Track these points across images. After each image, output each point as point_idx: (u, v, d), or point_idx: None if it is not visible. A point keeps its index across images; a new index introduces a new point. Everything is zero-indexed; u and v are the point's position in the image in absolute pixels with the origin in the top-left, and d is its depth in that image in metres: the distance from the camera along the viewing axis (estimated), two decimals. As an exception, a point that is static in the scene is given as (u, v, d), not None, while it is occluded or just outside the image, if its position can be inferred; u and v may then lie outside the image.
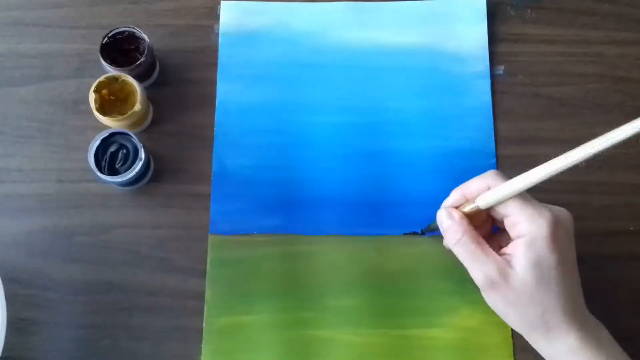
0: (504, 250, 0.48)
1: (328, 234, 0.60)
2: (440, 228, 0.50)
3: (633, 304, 0.58)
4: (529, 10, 0.67)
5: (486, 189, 0.48)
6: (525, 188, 0.46)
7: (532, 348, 0.58)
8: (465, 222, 0.49)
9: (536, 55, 0.65)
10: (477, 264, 0.47)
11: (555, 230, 0.46)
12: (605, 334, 0.49)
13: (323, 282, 0.59)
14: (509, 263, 0.47)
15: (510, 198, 0.47)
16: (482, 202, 0.48)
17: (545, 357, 0.49)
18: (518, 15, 0.67)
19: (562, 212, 0.48)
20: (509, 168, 0.61)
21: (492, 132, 0.63)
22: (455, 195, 0.50)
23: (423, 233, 0.60)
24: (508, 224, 0.48)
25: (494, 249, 0.48)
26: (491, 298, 0.48)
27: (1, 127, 0.63)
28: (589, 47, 0.66)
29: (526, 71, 0.65)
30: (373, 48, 0.65)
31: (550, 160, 0.44)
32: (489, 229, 0.51)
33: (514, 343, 0.58)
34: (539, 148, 0.63)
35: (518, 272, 0.46)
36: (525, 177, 0.46)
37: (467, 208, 0.49)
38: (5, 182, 0.61)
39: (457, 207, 0.50)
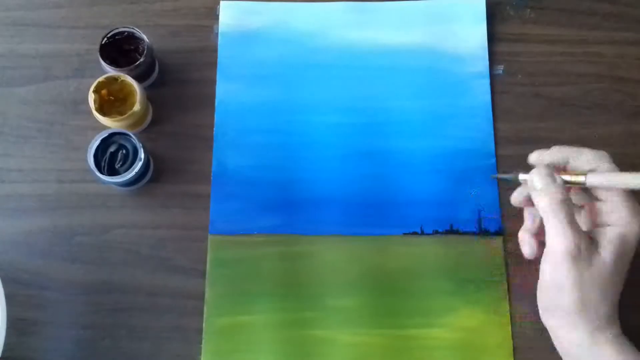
0: (596, 231, 0.48)
1: (328, 234, 0.60)
2: (532, 185, 0.48)
3: (633, 304, 0.58)
4: (529, 10, 0.67)
5: (594, 166, 0.48)
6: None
7: (532, 348, 0.58)
8: (564, 189, 0.47)
9: (536, 55, 0.65)
10: (567, 231, 0.46)
11: None
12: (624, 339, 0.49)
13: (323, 282, 0.59)
14: (596, 244, 0.47)
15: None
16: (592, 180, 0.47)
17: (574, 348, 0.48)
18: (517, 15, 0.67)
19: None
20: (508, 168, 0.60)
21: (492, 132, 0.63)
22: (558, 154, 0.49)
23: (497, 177, 0.58)
24: (602, 207, 0.48)
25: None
26: (560, 270, 0.46)
27: (1, 127, 0.63)
28: (589, 47, 0.66)
29: (526, 71, 0.65)
30: (373, 48, 0.65)
31: None
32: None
33: (514, 343, 0.58)
34: (538, 148, 0.62)
35: (602, 256, 0.47)
36: None
37: (572, 178, 0.48)
38: (5, 182, 0.61)
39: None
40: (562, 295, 0.47)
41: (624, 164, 0.62)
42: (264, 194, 0.61)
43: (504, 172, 0.53)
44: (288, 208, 0.61)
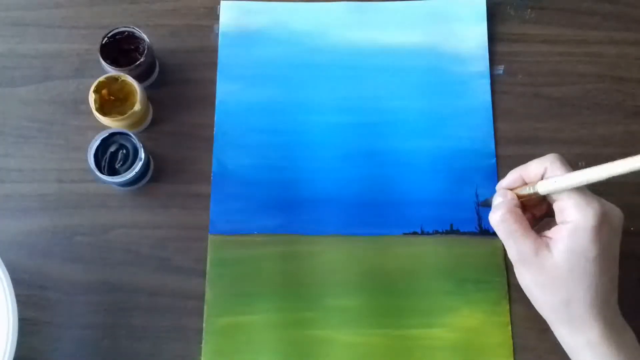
0: (547, 232, 0.49)
1: (328, 234, 0.60)
2: (493, 205, 0.52)
3: (633, 304, 0.58)
4: (529, 10, 0.67)
5: (543, 172, 0.49)
6: (590, 182, 0.46)
7: (532, 348, 0.58)
8: (512, 203, 0.50)
9: (536, 55, 0.65)
10: (513, 241, 0.49)
11: (601, 224, 0.47)
12: (630, 336, 0.49)
13: (323, 282, 0.59)
14: (547, 246, 0.48)
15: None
16: (542, 189, 0.49)
17: (564, 346, 0.50)
18: (518, 15, 0.67)
19: (613, 208, 0.48)
20: (508, 168, 0.60)
21: (492, 132, 0.63)
22: (512, 175, 0.51)
23: (480, 205, 0.60)
24: (556, 208, 0.49)
25: (542, 231, 0.49)
26: (522, 275, 0.50)
27: (1, 127, 0.63)
28: (589, 47, 0.66)
29: (526, 71, 0.65)
30: (373, 48, 0.65)
31: (623, 160, 0.44)
32: (546, 210, 0.52)
33: (514, 343, 0.58)
34: (538, 148, 0.63)
35: (554, 256, 0.47)
36: (591, 172, 0.46)
37: (525, 191, 0.50)
38: (5, 182, 0.61)
39: (515, 188, 0.51)
40: (532, 299, 0.50)
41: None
42: (264, 194, 0.61)
43: (486, 199, 0.56)
44: (288, 208, 0.61)
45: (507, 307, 0.58)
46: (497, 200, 0.51)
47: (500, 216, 0.49)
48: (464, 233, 0.60)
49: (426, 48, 0.65)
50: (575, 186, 0.47)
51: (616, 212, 0.49)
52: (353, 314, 0.58)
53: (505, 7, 0.67)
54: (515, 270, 0.50)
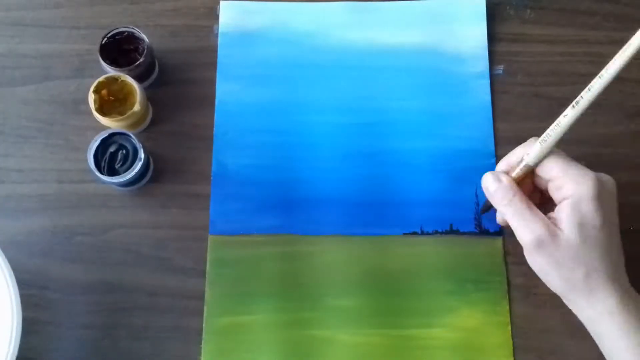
0: (550, 214, 0.49)
1: (328, 234, 0.60)
2: (486, 192, 0.51)
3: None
4: (529, 10, 0.67)
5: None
6: (568, 125, 0.48)
7: (532, 348, 0.58)
8: (514, 184, 0.50)
9: (536, 55, 0.65)
10: (526, 223, 0.48)
11: (600, 192, 0.47)
12: None
13: (323, 282, 0.59)
14: (556, 223, 0.48)
15: (555, 161, 0.49)
16: (530, 158, 0.50)
17: (582, 318, 0.50)
18: (518, 15, 0.67)
19: (606, 176, 0.49)
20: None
21: (492, 132, 0.63)
22: (501, 165, 0.52)
23: (482, 212, 0.59)
24: (553, 188, 0.49)
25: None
26: (537, 259, 0.49)
27: (1, 127, 0.63)
28: (589, 47, 0.66)
29: (526, 71, 0.65)
30: (373, 48, 0.65)
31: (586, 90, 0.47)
32: (536, 201, 0.52)
33: (514, 343, 0.58)
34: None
35: (565, 233, 0.47)
36: (565, 118, 0.48)
37: (517, 170, 0.51)
38: (5, 182, 0.61)
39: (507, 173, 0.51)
40: (549, 279, 0.50)
41: (624, 164, 0.63)
42: (264, 194, 0.61)
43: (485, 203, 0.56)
44: (288, 208, 0.61)
45: (507, 307, 0.58)
46: (492, 185, 0.50)
47: (508, 199, 0.49)
48: (464, 233, 0.60)
49: (426, 48, 0.65)
50: (561, 134, 0.48)
51: (609, 180, 0.50)
52: (353, 314, 0.58)
53: (505, 7, 0.67)
54: (527, 254, 0.49)
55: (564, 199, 0.48)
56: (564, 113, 0.49)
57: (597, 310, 0.48)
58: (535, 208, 0.49)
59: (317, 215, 0.61)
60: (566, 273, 0.48)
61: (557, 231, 0.48)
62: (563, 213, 0.48)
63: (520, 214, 0.49)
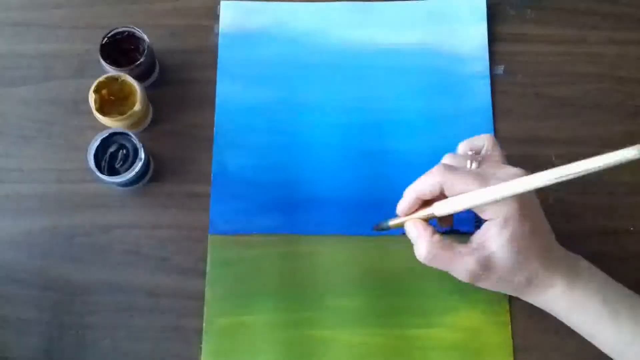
0: (477, 233, 0.49)
1: (328, 234, 0.60)
2: (410, 238, 0.51)
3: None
4: (529, 10, 0.67)
5: (439, 187, 0.48)
6: (484, 204, 0.46)
7: (532, 348, 0.58)
8: (435, 236, 0.49)
9: (536, 55, 0.65)
10: (457, 266, 0.48)
11: (522, 201, 0.47)
12: (584, 264, 0.50)
13: (323, 282, 0.59)
14: (484, 247, 0.48)
15: (468, 192, 0.47)
16: (439, 212, 0.49)
17: (539, 305, 0.51)
18: (518, 15, 0.67)
19: (519, 172, 0.47)
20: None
21: (492, 132, 0.63)
22: (409, 198, 0.50)
23: (374, 230, 0.58)
24: (476, 209, 0.48)
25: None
26: (480, 284, 0.50)
27: (1, 127, 0.63)
28: (589, 47, 0.66)
29: (526, 71, 0.65)
30: (373, 48, 0.65)
31: (517, 180, 0.44)
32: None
33: (514, 343, 0.58)
34: (538, 148, 0.63)
35: (497, 253, 0.47)
36: (485, 193, 0.46)
37: (424, 214, 0.50)
38: (5, 182, 0.61)
39: (414, 211, 0.51)
40: (498, 290, 0.51)
41: (624, 164, 0.62)
42: (264, 194, 0.61)
43: (379, 223, 0.55)
44: (288, 208, 0.61)
45: (507, 307, 0.58)
46: (413, 233, 0.50)
47: (427, 254, 0.49)
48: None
49: (426, 48, 0.65)
50: (474, 207, 0.47)
51: (522, 173, 0.47)
52: (353, 314, 0.58)
53: (505, 7, 0.67)
54: (472, 283, 0.50)
55: (490, 219, 0.48)
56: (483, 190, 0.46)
57: (548, 298, 0.49)
58: (457, 247, 0.48)
59: (317, 215, 0.61)
60: (510, 284, 0.49)
61: (488, 257, 0.47)
62: (491, 233, 0.47)
63: (447, 262, 0.49)
